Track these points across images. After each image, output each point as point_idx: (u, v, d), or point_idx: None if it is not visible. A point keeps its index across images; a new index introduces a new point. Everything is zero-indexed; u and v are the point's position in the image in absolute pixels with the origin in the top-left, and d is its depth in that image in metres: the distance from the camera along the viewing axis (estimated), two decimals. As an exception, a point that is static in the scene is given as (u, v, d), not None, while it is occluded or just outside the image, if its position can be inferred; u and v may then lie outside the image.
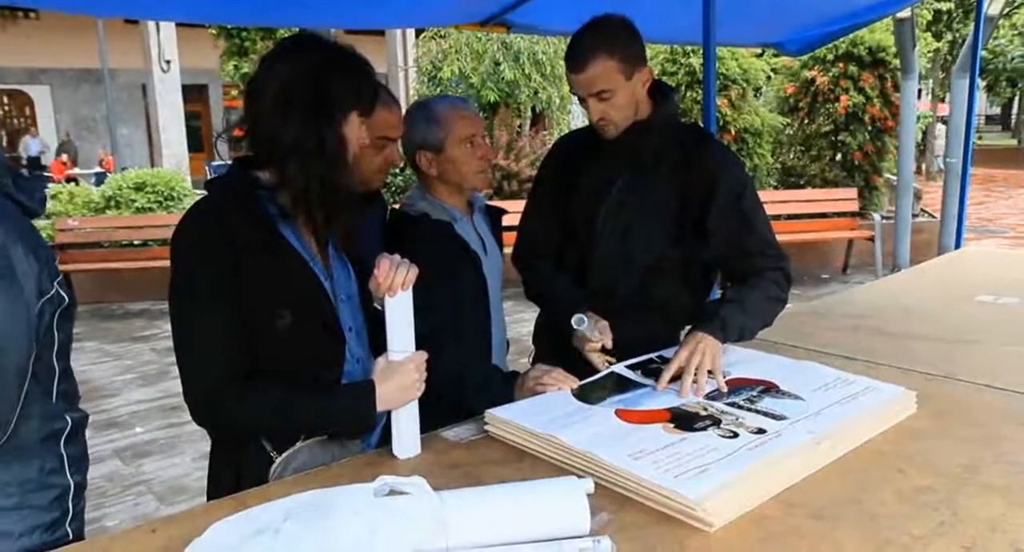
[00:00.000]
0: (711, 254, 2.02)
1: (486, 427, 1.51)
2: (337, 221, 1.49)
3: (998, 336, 2.10)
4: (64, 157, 18.24)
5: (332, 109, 1.44)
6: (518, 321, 4.98)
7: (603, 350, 1.86)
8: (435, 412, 1.53)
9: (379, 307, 1.47)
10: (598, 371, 1.81)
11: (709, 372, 1.66)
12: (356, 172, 1.52)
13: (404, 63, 15.79)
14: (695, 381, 1.63)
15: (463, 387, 1.74)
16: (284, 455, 1.48)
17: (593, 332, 1.84)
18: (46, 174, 17.30)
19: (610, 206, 2.04)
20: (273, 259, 1.43)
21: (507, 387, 1.73)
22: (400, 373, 1.42)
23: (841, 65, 9.13)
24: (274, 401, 1.41)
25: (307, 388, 1.46)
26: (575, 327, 1.83)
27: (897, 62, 8.34)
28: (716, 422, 1.43)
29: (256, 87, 1.45)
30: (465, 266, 2.05)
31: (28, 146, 19.24)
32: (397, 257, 1.41)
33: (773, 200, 8.58)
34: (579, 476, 1.21)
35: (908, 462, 1.35)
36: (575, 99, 2.04)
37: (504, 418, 1.48)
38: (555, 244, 2.17)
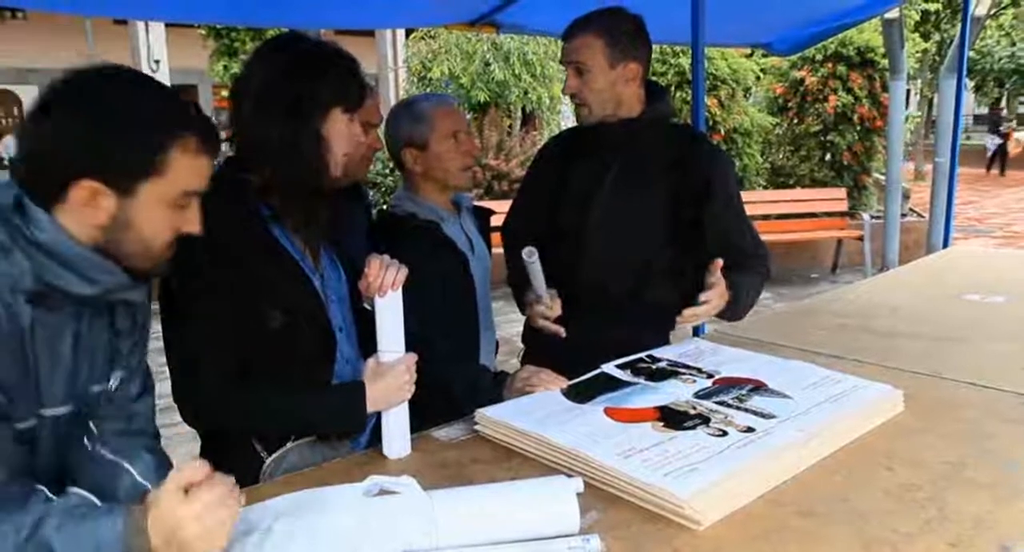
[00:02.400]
0: (707, 254, 2.04)
1: (476, 427, 1.51)
2: (316, 221, 1.49)
3: (984, 334, 2.11)
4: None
5: (308, 108, 1.45)
6: (508, 321, 4.97)
7: (556, 320, 1.95)
8: (424, 412, 1.54)
9: (369, 307, 1.47)
10: (555, 334, 1.95)
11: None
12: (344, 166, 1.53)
13: (394, 63, 15.76)
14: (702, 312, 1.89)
15: (452, 387, 1.74)
16: (274, 456, 1.48)
17: (543, 293, 1.92)
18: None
19: (601, 206, 2.05)
20: (264, 259, 1.43)
21: (496, 387, 1.74)
22: (390, 375, 1.42)
23: (830, 65, 9.15)
24: (264, 402, 1.41)
25: (297, 389, 1.46)
26: (526, 260, 1.85)
27: (885, 62, 8.37)
28: (705, 420, 1.43)
29: (239, 89, 1.46)
30: (452, 266, 2.06)
31: (8, 146, 19.09)
32: (387, 257, 1.42)
33: (762, 200, 8.60)
34: (568, 475, 1.21)
35: (895, 460, 1.36)
36: (565, 100, 2.07)
37: (494, 418, 1.48)
38: (538, 240, 2.19)
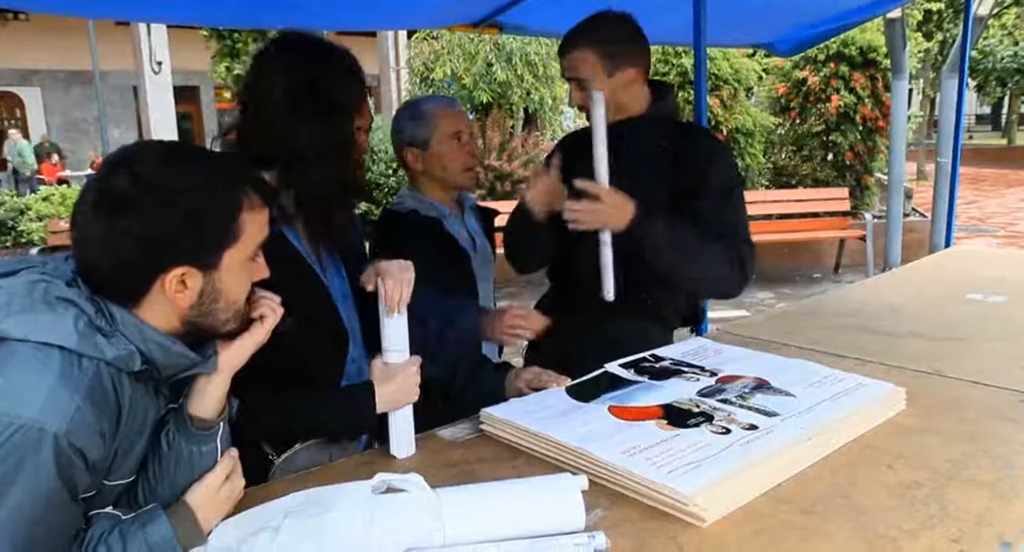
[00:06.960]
0: None
1: (481, 426, 1.53)
2: (347, 217, 1.51)
3: (986, 333, 2.12)
4: (55, 158, 18.08)
5: (347, 109, 1.46)
6: (512, 321, 4.99)
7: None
8: (427, 409, 1.54)
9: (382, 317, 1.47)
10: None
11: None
12: None
13: (396, 64, 15.78)
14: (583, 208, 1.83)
15: (452, 378, 1.76)
16: (283, 457, 1.49)
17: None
18: (37, 176, 17.21)
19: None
20: (278, 262, 1.44)
21: (497, 376, 1.75)
22: (400, 377, 1.43)
23: (832, 65, 9.16)
24: (276, 405, 1.41)
25: (306, 391, 1.47)
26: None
27: (888, 62, 8.35)
28: (709, 418, 1.45)
29: (260, 90, 1.45)
30: (453, 262, 2.07)
31: (12, 148, 18.99)
32: (395, 266, 1.43)
33: (765, 200, 8.62)
34: (573, 473, 1.23)
35: (897, 458, 1.37)
36: (568, 100, 2.07)
37: (499, 417, 1.50)
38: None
